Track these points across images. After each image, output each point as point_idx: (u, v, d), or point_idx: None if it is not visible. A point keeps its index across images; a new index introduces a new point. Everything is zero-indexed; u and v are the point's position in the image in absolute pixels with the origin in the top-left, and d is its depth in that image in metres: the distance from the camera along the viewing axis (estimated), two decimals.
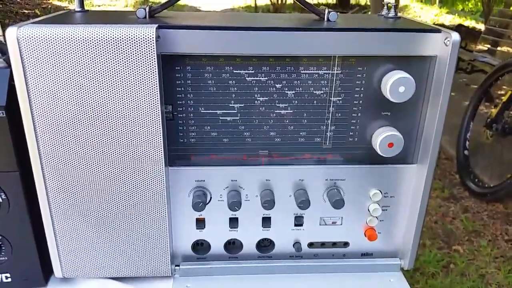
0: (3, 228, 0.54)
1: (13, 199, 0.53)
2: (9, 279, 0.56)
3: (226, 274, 0.61)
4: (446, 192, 2.29)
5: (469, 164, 2.36)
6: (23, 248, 0.55)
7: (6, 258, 0.55)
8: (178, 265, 0.61)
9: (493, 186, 2.19)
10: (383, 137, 0.54)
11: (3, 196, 0.52)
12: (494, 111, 2.27)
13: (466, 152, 2.38)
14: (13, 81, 0.48)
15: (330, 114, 0.55)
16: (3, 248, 0.55)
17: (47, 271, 0.58)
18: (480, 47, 3.39)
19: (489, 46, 3.29)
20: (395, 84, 0.51)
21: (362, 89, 0.54)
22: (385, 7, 0.62)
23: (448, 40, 0.51)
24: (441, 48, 0.52)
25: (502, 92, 2.49)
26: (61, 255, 0.56)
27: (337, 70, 0.53)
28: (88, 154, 0.51)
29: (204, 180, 0.57)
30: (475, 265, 1.78)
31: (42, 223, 0.54)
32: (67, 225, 0.55)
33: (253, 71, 0.53)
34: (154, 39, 0.47)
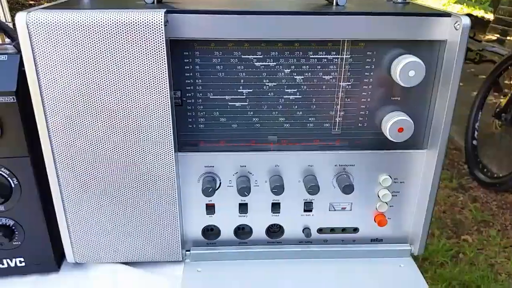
0: (16, 213, 0.55)
1: (25, 184, 0.53)
2: (23, 263, 0.57)
3: (236, 259, 0.61)
4: (454, 182, 2.28)
5: (478, 154, 2.35)
6: (35, 233, 0.56)
7: (19, 242, 0.56)
8: (189, 250, 0.61)
9: (502, 176, 2.18)
10: (393, 122, 0.54)
11: (15, 181, 0.53)
12: (503, 101, 2.25)
13: (474, 142, 2.37)
14: (23, 66, 0.48)
15: (339, 99, 0.55)
16: (16, 233, 0.56)
17: (60, 256, 0.59)
18: (489, 37, 3.35)
19: (498, 35, 3.24)
20: (405, 68, 0.51)
21: (372, 73, 0.54)
22: None
23: (458, 24, 0.51)
24: (451, 32, 0.52)
25: (511, 82, 2.46)
26: (73, 241, 0.57)
27: (346, 55, 0.53)
28: (97, 140, 0.52)
29: (213, 166, 0.58)
30: (484, 254, 1.77)
31: (54, 208, 0.55)
32: (79, 210, 0.55)
33: (261, 56, 0.52)
34: (162, 23, 0.47)
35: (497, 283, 1.64)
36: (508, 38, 3.17)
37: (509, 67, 2.35)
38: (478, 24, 3.55)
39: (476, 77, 2.98)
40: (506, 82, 2.48)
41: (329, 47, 0.52)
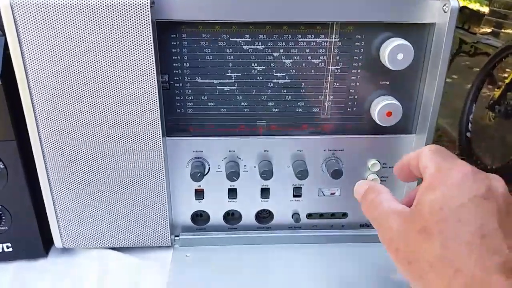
0: (2, 198, 0.54)
1: (11, 169, 0.53)
2: (10, 249, 0.57)
3: (226, 244, 0.61)
4: None
5: (472, 146, 2.36)
6: (22, 218, 0.56)
7: (6, 228, 0.56)
8: (178, 236, 0.61)
9: (495, 168, 2.19)
10: (382, 106, 0.54)
11: (1, 166, 0.52)
12: (496, 93, 2.26)
13: (468, 134, 2.37)
14: (8, 49, 0.48)
15: (328, 83, 0.55)
16: (3, 218, 0.55)
17: (48, 241, 0.58)
18: (483, 29, 3.35)
19: (493, 28, 3.25)
20: (394, 51, 0.51)
21: (361, 57, 0.54)
22: None
23: (447, 7, 0.50)
24: (439, 15, 0.51)
25: (505, 74, 2.47)
26: (61, 226, 0.57)
27: (335, 38, 0.53)
28: (84, 124, 0.51)
29: (202, 151, 0.57)
30: None
31: (41, 193, 0.54)
32: (66, 195, 0.55)
33: (250, 39, 0.52)
34: (148, 4, 0.46)
35: None
36: (502, 30, 3.17)
37: (503, 59, 2.36)
38: (473, 17, 3.54)
39: (471, 70, 2.98)
40: (500, 74, 2.49)
41: (318, 30, 0.52)
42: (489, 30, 3.26)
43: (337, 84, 0.55)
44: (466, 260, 0.34)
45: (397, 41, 0.51)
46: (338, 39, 0.53)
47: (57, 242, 0.58)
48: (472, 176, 0.38)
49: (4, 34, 0.48)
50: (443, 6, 0.51)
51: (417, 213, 0.38)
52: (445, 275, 0.35)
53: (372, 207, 0.43)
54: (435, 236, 0.36)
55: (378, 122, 0.54)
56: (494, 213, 0.36)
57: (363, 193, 0.45)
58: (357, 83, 0.55)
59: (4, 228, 0.56)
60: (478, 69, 2.57)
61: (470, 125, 2.40)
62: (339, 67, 0.54)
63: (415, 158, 0.43)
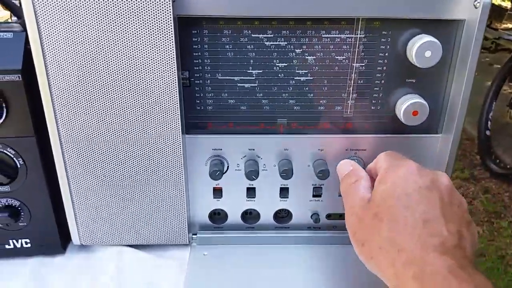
0: (21, 194, 0.54)
1: (31, 165, 0.52)
2: (29, 245, 0.57)
3: (243, 244, 0.60)
4: (466, 172, 2.25)
5: (491, 145, 2.31)
6: (41, 215, 0.55)
7: (25, 224, 0.56)
8: (195, 234, 0.60)
9: None
10: (408, 105, 0.52)
11: (21, 162, 0.52)
12: None
13: (487, 132, 2.33)
14: (29, 44, 0.47)
15: (352, 81, 0.53)
16: (22, 214, 0.55)
17: (66, 238, 0.58)
18: (505, 25, 3.28)
19: None
20: (422, 48, 0.49)
21: (387, 54, 0.52)
22: None
23: (478, 3, 0.48)
24: (470, 11, 0.49)
25: None
26: (79, 222, 0.57)
27: (360, 34, 0.51)
28: (104, 121, 0.51)
29: (221, 149, 0.56)
30: (494, 246, 1.75)
31: (60, 189, 0.54)
32: (85, 192, 0.54)
33: (272, 35, 0.51)
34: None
35: (507, 274, 1.62)
36: None
37: None
38: (495, 12, 3.47)
39: (491, 67, 2.92)
40: None
41: (342, 25, 0.50)
42: (511, 26, 3.18)
43: (361, 81, 0.53)
44: (409, 241, 0.39)
45: (425, 38, 0.49)
46: (363, 35, 0.51)
47: (75, 239, 0.58)
48: (417, 171, 0.43)
49: (25, 29, 0.48)
50: (474, 1, 0.49)
51: (371, 202, 0.44)
52: (390, 255, 0.40)
53: (348, 190, 0.47)
54: (384, 221, 0.41)
55: (403, 121, 0.53)
56: (437, 202, 0.41)
57: (345, 174, 0.49)
58: (382, 81, 0.53)
59: (23, 224, 0.56)
60: (498, 66, 2.51)
61: (489, 123, 2.35)
62: (363, 64, 0.53)
63: (374, 163, 0.48)
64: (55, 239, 0.57)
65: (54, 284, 0.55)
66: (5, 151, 0.52)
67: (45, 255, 0.58)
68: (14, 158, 0.52)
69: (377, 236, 0.41)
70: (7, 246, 0.57)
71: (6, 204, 0.54)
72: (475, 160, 2.38)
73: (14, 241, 0.57)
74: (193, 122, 0.55)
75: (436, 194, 0.42)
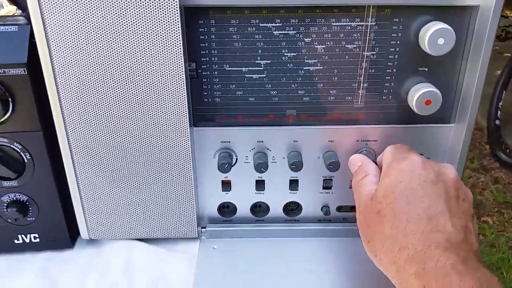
0: (29, 188, 0.54)
1: (38, 159, 0.52)
2: (37, 239, 0.57)
3: (252, 237, 0.60)
4: (475, 163, 2.23)
5: (501, 134, 2.28)
6: (49, 209, 0.55)
7: (33, 218, 0.55)
8: (205, 227, 0.60)
9: None
10: (420, 94, 0.50)
11: (28, 156, 0.52)
12: None
13: (497, 122, 2.29)
14: (34, 38, 0.47)
15: (363, 70, 0.52)
16: (30, 209, 0.55)
17: (74, 233, 0.58)
18: None
19: None
20: (434, 36, 0.47)
21: (398, 42, 0.51)
22: None
23: None
24: None
25: None
26: (87, 217, 0.56)
27: (371, 22, 0.50)
28: (111, 114, 0.50)
29: (229, 141, 0.55)
30: (505, 236, 1.74)
31: (68, 184, 0.54)
32: (92, 186, 0.54)
33: (280, 24, 0.50)
34: None
35: None
36: None
37: None
38: None
39: (501, 55, 2.88)
40: None
41: (353, 13, 0.49)
42: None
43: (373, 70, 0.52)
44: (411, 238, 0.38)
45: (437, 25, 0.47)
46: (374, 23, 0.50)
47: (83, 233, 0.57)
48: (422, 165, 0.43)
49: (30, 23, 0.47)
50: None
51: (374, 198, 0.43)
52: (392, 253, 0.39)
53: (356, 187, 0.48)
54: (387, 218, 0.41)
55: (415, 110, 0.51)
56: (442, 195, 0.40)
57: (354, 171, 0.50)
58: (394, 70, 0.52)
59: (31, 219, 0.55)
60: (509, 54, 2.47)
61: (499, 112, 2.32)
62: (374, 53, 0.51)
63: (381, 155, 0.48)
64: (63, 233, 0.57)
65: (63, 279, 0.54)
66: (12, 145, 0.51)
67: (54, 250, 0.58)
68: (21, 153, 0.52)
69: (380, 234, 0.41)
70: (16, 241, 0.57)
71: (14, 199, 0.54)
72: (485, 150, 2.35)
73: (23, 236, 0.57)
74: (201, 114, 0.54)
75: (441, 187, 0.41)
